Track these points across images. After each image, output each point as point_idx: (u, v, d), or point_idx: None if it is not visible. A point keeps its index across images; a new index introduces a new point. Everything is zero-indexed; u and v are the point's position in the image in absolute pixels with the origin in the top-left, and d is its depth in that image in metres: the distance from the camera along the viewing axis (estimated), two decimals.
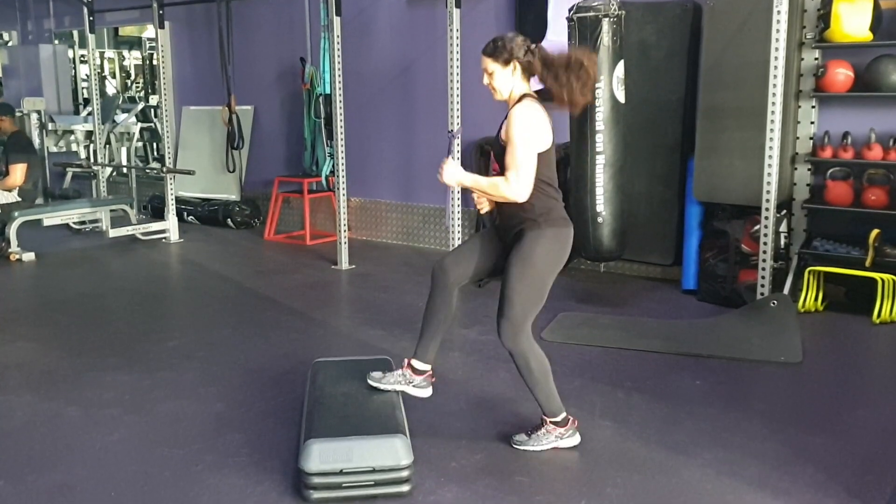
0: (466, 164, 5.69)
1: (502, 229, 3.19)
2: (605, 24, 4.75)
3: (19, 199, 7.12)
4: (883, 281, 4.69)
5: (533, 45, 3.07)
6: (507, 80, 3.08)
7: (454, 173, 3.15)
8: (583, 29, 4.81)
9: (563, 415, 3.19)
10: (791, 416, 3.51)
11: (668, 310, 5.14)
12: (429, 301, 3.28)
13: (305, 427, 3.00)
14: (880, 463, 3.04)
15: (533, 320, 3.11)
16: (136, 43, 12.65)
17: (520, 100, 3.06)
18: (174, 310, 5.59)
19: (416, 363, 3.30)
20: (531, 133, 3.00)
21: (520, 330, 3.08)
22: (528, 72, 3.08)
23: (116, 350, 4.44)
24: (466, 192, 6.36)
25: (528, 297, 3.07)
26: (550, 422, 3.18)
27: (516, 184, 2.99)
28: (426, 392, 3.34)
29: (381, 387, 3.28)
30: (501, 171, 3.07)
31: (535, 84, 3.12)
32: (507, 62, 3.05)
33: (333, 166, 6.60)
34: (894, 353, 4.46)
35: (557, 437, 3.18)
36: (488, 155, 3.19)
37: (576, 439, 3.22)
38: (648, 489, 2.87)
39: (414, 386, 3.30)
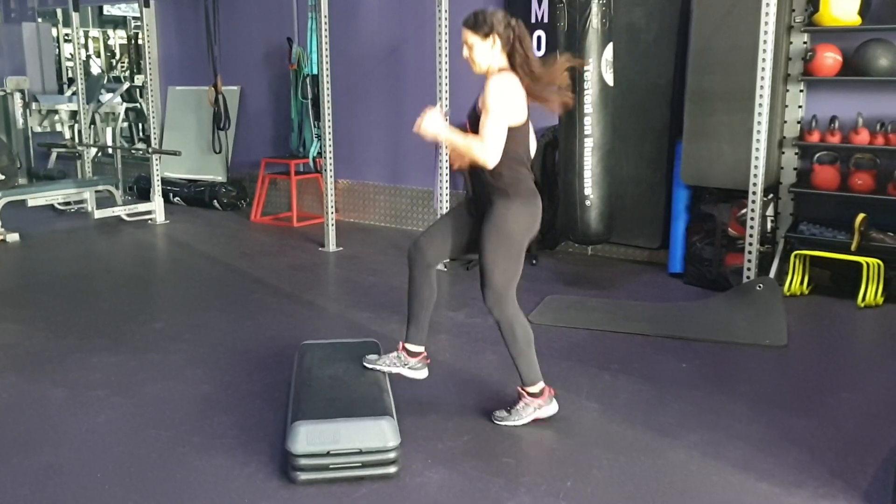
0: None
1: (475, 200, 3.23)
2: (595, 7, 4.74)
3: (2, 177, 7.03)
4: (868, 265, 4.72)
5: (513, 21, 3.09)
6: (486, 53, 3.09)
7: (433, 124, 3.08)
8: (572, 11, 4.80)
9: (541, 385, 3.23)
10: (776, 399, 3.54)
11: (654, 293, 5.16)
12: (410, 283, 3.31)
13: (292, 409, 3.00)
14: (863, 445, 3.06)
15: (515, 286, 3.15)
16: (120, 22, 12.51)
17: (497, 72, 3.07)
18: (160, 291, 5.57)
19: (409, 346, 3.35)
20: (506, 103, 3.03)
21: (503, 298, 3.12)
22: (507, 47, 3.08)
23: (102, 332, 4.42)
24: (456, 175, 6.36)
25: (505, 265, 3.11)
26: (528, 393, 3.22)
27: (487, 149, 3.01)
28: (422, 374, 3.40)
29: (378, 368, 3.32)
30: None
31: None
32: (486, 35, 3.07)
33: (321, 148, 6.57)
34: (878, 337, 4.50)
35: (536, 408, 3.22)
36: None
37: (553, 407, 3.26)
38: (634, 470, 2.88)
39: (409, 368, 3.36)
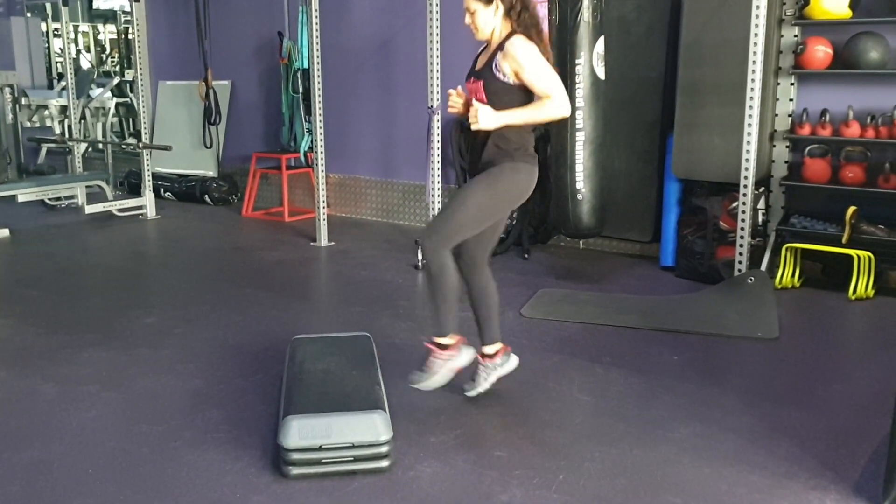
0: (446, 141, 5.67)
1: (475, 167, 3.23)
2: (586, 0, 4.73)
3: None
4: (859, 258, 4.74)
5: None
6: (489, 19, 3.10)
7: (490, 116, 3.05)
8: (563, 4, 4.79)
9: (451, 337, 3.23)
10: (767, 391, 3.55)
11: (646, 286, 5.16)
12: (466, 288, 3.34)
13: (284, 403, 2.99)
14: (854, 436, 3.07)
15: (457, 241, 3.14)
16: (110, 16, 12.46)
17: (510, 35, 3.08)
18: (151, 286, 5.54)
19: (485, 349, 3.38)
20: (539, 55, 3.05)
21: (444, 244, 3.11)
22: (509, 12, 3.09)
23: (93, 326, 4.40)
24: (446, 169, 6.35)
25: (472, 216, 3.11)
26: (437, 345, 3.22)
27: (560, 99, 3.04)
28: (512, 364, 3.43)
29: (482, 389, 3.35)
30: (490, 101, 3.09)
31: None
32: (489, 1, 3.07)
33: (312, 142, 6.55)
34: (869, 329, 4.51)
35: (446, 360, 3.22)
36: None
37: (467, 355, 3.29)
38: (626, 463, 2.89)
39: (497, 368, 3.38)
